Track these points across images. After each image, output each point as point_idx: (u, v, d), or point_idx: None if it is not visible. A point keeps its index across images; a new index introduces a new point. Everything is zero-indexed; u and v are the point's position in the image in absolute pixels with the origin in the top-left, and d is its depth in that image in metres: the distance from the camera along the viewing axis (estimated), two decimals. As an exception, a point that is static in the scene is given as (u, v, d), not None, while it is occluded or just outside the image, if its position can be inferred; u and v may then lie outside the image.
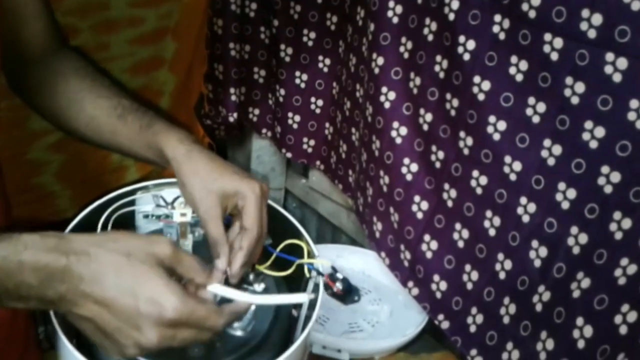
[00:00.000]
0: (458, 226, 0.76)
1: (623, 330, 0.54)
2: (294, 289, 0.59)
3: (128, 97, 0.65)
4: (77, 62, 0.67)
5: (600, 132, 0.60)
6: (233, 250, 0.54)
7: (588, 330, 0.58)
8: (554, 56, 0.62)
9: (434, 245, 0.79)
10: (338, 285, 0.54)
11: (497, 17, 0.67)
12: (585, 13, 0.59)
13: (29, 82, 0.66)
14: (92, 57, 0.86)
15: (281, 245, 0.58)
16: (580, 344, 0.58)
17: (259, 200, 0.55)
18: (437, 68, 0.76)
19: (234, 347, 0.51)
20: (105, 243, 0.44)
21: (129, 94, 0.66)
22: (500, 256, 0.70)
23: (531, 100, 0.66)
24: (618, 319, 0.55)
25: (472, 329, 0.72)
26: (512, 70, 0.67)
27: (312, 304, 0.55)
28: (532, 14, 0.63)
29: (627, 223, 0.58)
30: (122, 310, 0.42)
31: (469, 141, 0.73)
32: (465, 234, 0.75)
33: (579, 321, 0.59)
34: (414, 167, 0.81)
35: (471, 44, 0.70)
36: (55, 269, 0.41)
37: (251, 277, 0.56)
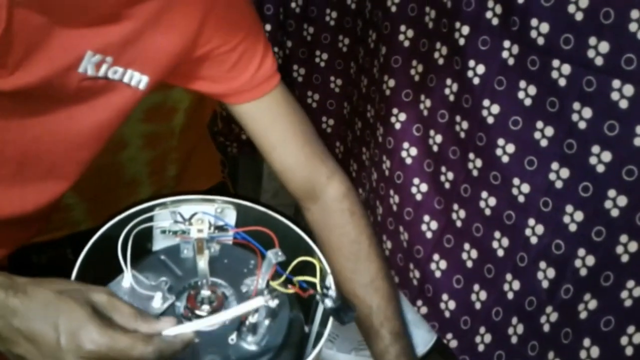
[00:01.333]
0: (467, 246, 0.77)
1: (629, 351, 0.55)
2: (306, 306, 0.60)
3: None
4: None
5: (607, 156, 0.61)
6: None
7: (595, 351, 0.59)
8: (562, 82, 0.64)
9: (443, 264, 0.80)
10: (327, 302, 0.54)
11: (507, 43, 0.69)
12: (592, 41, 0.60)
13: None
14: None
15: (294, 263, 0.59)
16: (588, 365, 0.59)
17: None
18: (447, 91, 0.78)
19: (248, 361, 0.52)
20: (44, 282, 0.45)
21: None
22: (509, 276, 0.71)
23: (539, 124, 0.67)
24: (624, 340, 0.56)
25: (481, 348, 0.73)
26: (521, 94, 0.69)
27: (324, 322, 0.57)
28: (541, 40, 0.65)
29: (633, 246, 0.59)
30: (46, 344, 0.43)
31: (478, 163, 0.74)
32: (474, 254, 0.76)
33: (586, 342, 0.60)
34: (424, 187, 0.83)
35: (481, 69, 0.72)
36: None
37: (265, 293, 0.57)
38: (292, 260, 0.59)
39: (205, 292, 0.56)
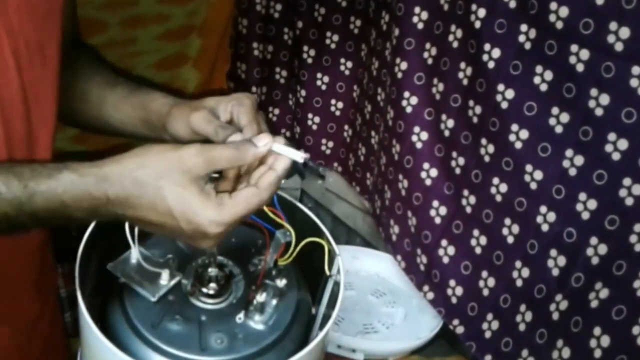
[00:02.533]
0: (476, 232, 0.76)
1: (641, 341, 0.55)
2: (314, 286, 0.59)
3: (126, 75, 0.64)
4: (91, 55, 0.67)
5: (623, 144, 0.60)
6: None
7: (605, 340, 0.58)
8: (580, 67, 0.63)
9: (451, 250, 0.79)
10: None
11: (524, 27, 0.68)
12: (613, 26, 0.59)
13: None
14: (120, 51, 0.87)
15: (302, 243, 0.59)
16: (597, 354, 0.58)
17: (254, 104, 0.55)
18: (461, 75, 0.76)
19: (255, 340, 0.52)
20: (137, 172, 0.45)
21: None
22: (518, 264, 0.70)
23: (555, 110, 0.66)
24: (636, 330, 0.55)
25: (487, 334, 0.73)
26: (537, 79, 0.67)
27: (332, 303, 0.56)
28: (559, 24, 0.64)
29: (647, 235, 0.58)
30: (172, 229, 0.46)
31: (491, 148, 0.73)
32: (483, 240, 0.75)
33: (597, 331, 0.59)
34: (434, 173, 0.82)
35: (496, 52, 0.70)
36: (96, 207, 0.45)
37: (274, 272, 0.56)
38: (300, 241, 0.59)
39: (213, 271, 0.55)
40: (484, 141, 0.74)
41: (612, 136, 0.61)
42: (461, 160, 0.78)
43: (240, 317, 0.53)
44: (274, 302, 0.55)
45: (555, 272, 0.66)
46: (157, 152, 0.46)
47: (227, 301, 0.55)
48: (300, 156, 0.50)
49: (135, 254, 0.54)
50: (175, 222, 0.45)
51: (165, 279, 0.54)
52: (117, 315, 0.52)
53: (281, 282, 0.55)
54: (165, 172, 0.45)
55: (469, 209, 0.77)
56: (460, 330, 0.77)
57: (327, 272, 0.58)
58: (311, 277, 0.60)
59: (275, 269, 0.57)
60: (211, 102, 0.56)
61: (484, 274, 0.74)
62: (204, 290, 0.54)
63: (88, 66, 0.64)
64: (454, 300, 0.78)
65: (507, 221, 0.72)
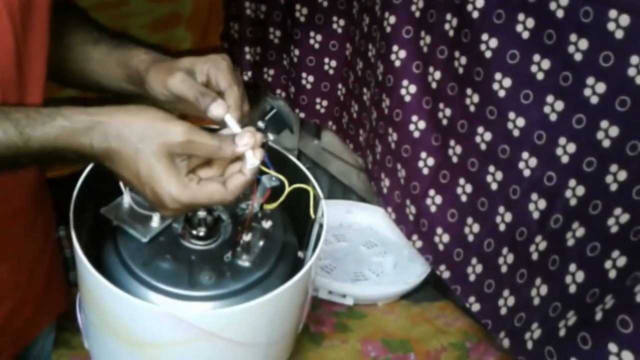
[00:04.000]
0: (462, 181, 0.78)
1: (612, 274, 0.57)
2: (300, 229, 0.62)
3: (110, 32, 0.65)
4: (76, 13, 0.68)
5: (601, 87, 0.62)
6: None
7: (580, 276, 0.60)
8: (560, 13, 0.64)
9: (439, 199, 0.81)
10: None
11: (506, -25, 0.68)
12: (590, -30, 0.60)
13: None
14: (112, 12, 0.89)
15: (288, 189, 0.61)
16: (572, 289, 0.61)
17: (230, 65, 0.56)
18: (447, 26, 0.77)
19: (242, 277, 0.54)
20: (122, 131, 0.47)
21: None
22: (501, 209, 0.73)
23: (536, 57, 0.67)
24: (608, 264, 0.57)
25: (472, 278, 0.75)
26: (519, 27, 0.68)
27: (317, 244, 0.58)
28: (540, -29, 0.65)
29: (622, 175, 0.60)
30: (138, 189, 0.48)
31: (475, 98, 0.75)
32: (469, 188, 0.77)
33: (572, 267, 0.61)
34: (422, 125, 0.83)
35: (480, 2, 0.71)
36: (84, 152, 0.48)
37: (259, 215, 0.59)
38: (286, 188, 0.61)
39: (202, 214, 0.58)
40: (469, 91, 0.75)
41: (590, 80, 0.62)
42: (448, 112, 0.79)
43: (228, 256, 0.56)
44: (261, 243, 0.57)
45: (536, 215, 0.68)
46: (147, 117, 0.48)
47: (215, 243, 0.57)
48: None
49: (127, 198, 0.56)
50: (140, 186, 0.48)
51: (156, 222, 0.56)
52: (111, 256, 0.55)
53: (267, 224, 0.57)
54: (146, 138, 0.47)
55: (455, 159, 0.79)
56: (446, 275, 0.79)
57: (312, 216, 0.60)
58: (300, 224, 0.63)
59: (262, 212, 0.59)
60: (186, 63, 0.57)
61: (469, 220, 0.77)
62: (194, 232, 0.57)
63: (74, 24, 0.65)
64: (441, 247, 0.80)
65: (491, 168, 0.74)
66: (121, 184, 0.56)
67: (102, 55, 0.62)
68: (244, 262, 0.55)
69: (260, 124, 0.58)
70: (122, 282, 0.53)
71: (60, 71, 0.64)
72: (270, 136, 0.59)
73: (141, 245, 0.55)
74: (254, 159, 0.50)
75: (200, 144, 0.48)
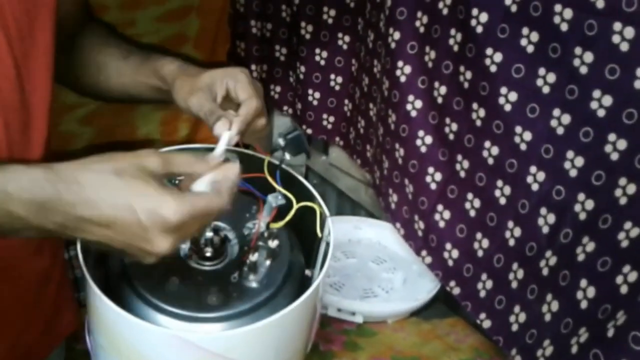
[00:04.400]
0: (470, 196, 0.78)
1: (624, 289, 0.56)
2: (306, 247, 0.62)
3: (138, 44, 0.68)
4: (104, 30, 0.71)
5: (607, 100, 0.61)
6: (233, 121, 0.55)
7: (591, 291, 0.60)
8: (564, 27, 0.64)
9: (447, 214, 0.81)
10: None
11: (510, -11, 0.68)
12: (594, -17, 0.60)
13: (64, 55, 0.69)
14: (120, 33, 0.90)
15: (295, 208, 0.61)
16: (583, 305, 0.60)
17: (249, 77, 0.58)
18: (451, 41, 0.77)
19: (249, 296, 0.54)
20: (92, 166, 0.44)
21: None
22: (510, 224, 0.72)
23: (541, 71, 0.67)
24: (619, 279, 0.57)
25: (482, 294, 0.75)
26: (524, 41, 0.68)
27: (324, 263, 0.58)
28: (543, -15, 0.65)
29: (631, 188, 0.59)
30: (126, 227, 0.42)
31: (482, 112, 0.74)
32: (477, 203, 0.77)
33: (583, 283, 0.61)
34: (428, 140, 0.83)
35: (484, 17, 0.71)
36: (43, 201, 0.42)
37: (266, 234, 0.59)
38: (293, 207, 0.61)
39: (209, 235, 0.58)
40: (475, 106, 0.75)
41: (596, 93, 0.62)
42: (454, 126, 0.79)
43: (235, 276, 0.56)
44: (267, 262, 0.57)
45: (545, 229, 0.67)
46: (113, 155, 0.45)
47: (222, 263, 0.57)
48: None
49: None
50: (133, 216, 0.42)
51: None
52: (118, 278, 0.55)
53: (273, 243, 0.57)
54: (123, 168, 0.43)
55: (462, 174, 0.79)
56: (456, 291, 0.79)
57: (319, 234, 0.60)
58: (308, 243, 0.63)
59: (268, 231, 0.60)
60: (206, 79, 0.59)
61: (478, 235, 0.76)
62: (201, 253, 0.57)
63: (102, 40, 0.68)
64: (450, 262, 0.80)
65: (499, 183, 0.73)
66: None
67: (132, 69, 0.65)
68: (251, 282, 0.55)
69: (281, 142, 0.59)
70: (129, 305, 0.53)
71: (94, 87, 0.68)
72: (287, 156, 0.59)
73: (148, 267, 0.55)
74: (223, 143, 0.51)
75: (177, 158, 0.46)
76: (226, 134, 0.54)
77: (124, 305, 0.52)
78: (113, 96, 0.69)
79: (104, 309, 0.52)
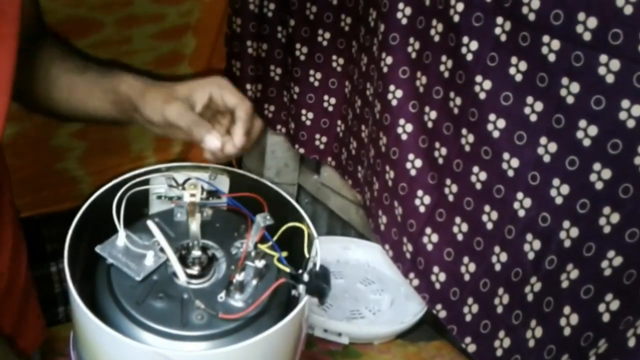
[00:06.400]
0: (458, 220, 0.78)
1: (606, 317, 0.57)
2: (295, 267, 0.62)
3: (98, 60, 0.65)
4: (60, 45, 0.68)
5: (593, 130, 0.62)
6: (233, 124, 0.55)
7: (574, 318, 0.60)
8: (552, 57, 0.65)
9: (435, 238, 0.82)
10: (305, 277, 0.55)
11: (499, 20, 0.70)
12: (581, 16, 0.61)
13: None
14: (115, 50, 0.91)
15: (283, 228, 0.61)
16: (567, 332, 0.61)
17: (224, 81, 0.57)
18: (442, 67, 0.79)
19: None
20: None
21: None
22: (497, 249, 0.73)
23: (529, 100, 0.68)
24: (602, 307, 0.57)
25: (468, 318, 0.75)
26: (512, 70, 0.70)
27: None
28: (532, 16, 0.66)
29: (615, 217, 0.60)
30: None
31: (471, 138, 0.75)
32: (465, 227, 0.77)
33: (566, 310, 0.61)
34: (418, 163, 0.84)
35: (474, 45, 0.73)
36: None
37: (253, 254, 0.59)
38: (282, 226, 0.62)
39: (196, 253, 0.58)
40: (464, 131, 0.76)
41: (582, 123, 0.63)
42: (443, 151, 0.80)
43: (221, 296, 0.56)
44: (254, 282, 0.57)
45: (531, 255, 0.68)
46: None
47: (209, 281, 0.57)
48: None
49: (122, 236, 0.57)
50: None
51: (151, 260, 0.57)
52: (104, 293, 0.55)
53: (260, 263, 0.58)
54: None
55: (451, 197, 0.79)
56: (442, 314, 0.79)
57: (307, 255, 0.61)
58: (296, 264, 0.63)
59: (256, 251, 0.60)
60: (184, 91, 0.57)
61: (465, 259, 0.77)
62: (187, 271, 0.57)
63: (57, 55, 0.65)
64: (437, 286, 0.80)
65: (487, 208, 0.74)
66: (116, 221, 0.56)
67: (88, 84, 0.62)
68: (237, 302, 0.55)
69: (306, 277, 0.57)
70: (114, 321, 0.53)
71: (48, 102, 0.65)
72: (303, 292, 0.57)
73: (135, 283, 0.55)
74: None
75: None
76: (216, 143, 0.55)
77: (108, 321, 0.52)
78: (65, 112, 0.65)
79: (88, 324, 0.52)
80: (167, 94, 0.56)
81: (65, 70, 0.64)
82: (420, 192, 0.83)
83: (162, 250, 0.58)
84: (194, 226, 0.58)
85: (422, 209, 0.83)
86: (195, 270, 0.57)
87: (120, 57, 0.91)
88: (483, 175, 0.74)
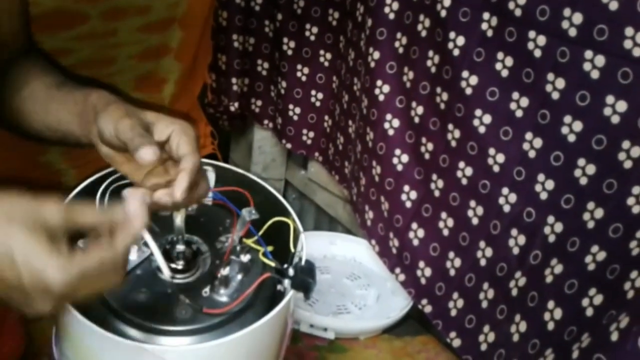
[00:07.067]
0: (444, 215, 0.79)
1: (589, 312, 0.57)
2: (281, 262, 0.62)
3: (80, 77, 0.62)
4: (44, 60, 0.68)
5: (578, 126, 0.63)
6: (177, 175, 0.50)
7: (558, 313, 0.61)
8: (537, 53, 0.65)
9: (421, 233, 0.82)
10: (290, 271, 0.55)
11: (486, 15, 0.70)
12: (566, 12, 0.62)
13: None
14: (101, 42, 0.89)
15: (269, 223, 0.61)
16: (550, 326, 0.61)
17: (197, 136, 0.52)
18: (429, 63, 0.79)
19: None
20: None
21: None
22: (482, 244, 0.73)
23: (515, 95, 0.69)
24: (585, 302, 0.58)
25: (453, 313, 0.75)
26: (499, 66, 0.70)
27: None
28: (518, 12, 0.66)
29: (599, 212, 0.60)
30: (9, 281, 0.40)
31: (457, 134, 0.76)
32: (450, 222, 0.78)
33: (550, 304, 0.62)
34: (405, 158, 0.84)
35: (461, 40, 0.73)
36: None
37: (238, 248, 0.59)
38: (268, 220, 0.61)
39: (180, 247, 0.57)
40: (450, 126, 0.76)
41: (567, 119, 0.64)
42: (430, 146, 0.80)
43: (206, 290, 0.56)
44: (239, 276, 0.57)
45: (516, 250, 0.68)
46: (14, 197, 0.42)
47: (194, 276, 0.57)
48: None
49: (105, 231, 0.56)
50: (14, 272, 0.39)
51: (134, 255, 0.56)
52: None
53: (245, 257, 0.57)
54: (15, 214, 0.40)
55: (437, 193, 0.79)
56: (428, 309, 0.79)
57: (292, 249, 0.60)
58: (282, 258, 0.63)
59: (241, 245, 0.60)
60: (150, 117, 0.54)
61: (451, 254, 0.77)
62: (172, 265, 0.57)
63: (40, 69, 0.65)
64: (423, 280, 0.80)
65: (472, 203, 0.74)
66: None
67: (64, 95, 0.60)
68: (222, 296, 0.55)
69: (291, 272, 0.56)
70: (97, 316, 0.52)
71: (18, 116, 0.63)
72: (288, 286, 0.56)
73: (118, 278, 0.55)
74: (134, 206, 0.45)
75: (81, 209, 0.43)
76: (138, 192, 0.49)
77: (91, 317, 0.51)
78: (36, 127, 0.62)
79: (70, 320, 0.51)
80: (130, 112, 0.53)
81: (46, 85, 0.62)
82: (406, 188, 0.84)
83: (145, 244, 0.57)
84: (179, 220, 0.58)
85: (408, 204, 0.83)
86: (179, 265, 0.57)
87: (105, 50, 0.90)
88: (469, 171, 0.75)
